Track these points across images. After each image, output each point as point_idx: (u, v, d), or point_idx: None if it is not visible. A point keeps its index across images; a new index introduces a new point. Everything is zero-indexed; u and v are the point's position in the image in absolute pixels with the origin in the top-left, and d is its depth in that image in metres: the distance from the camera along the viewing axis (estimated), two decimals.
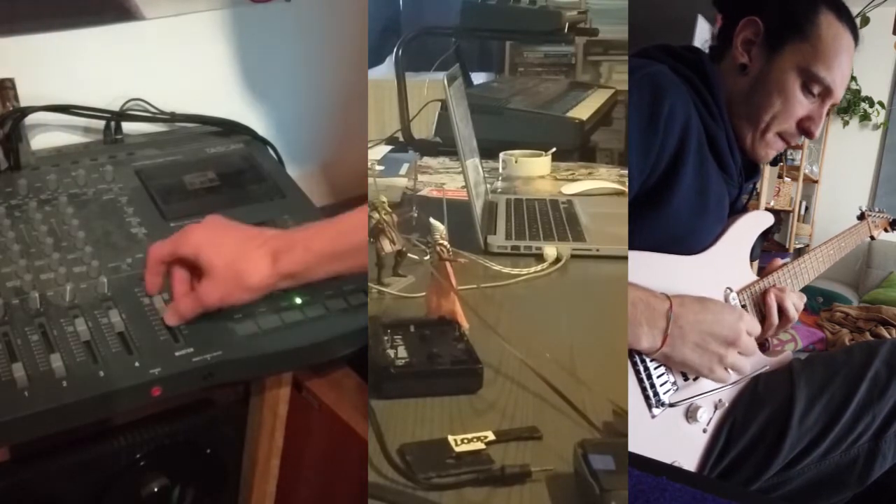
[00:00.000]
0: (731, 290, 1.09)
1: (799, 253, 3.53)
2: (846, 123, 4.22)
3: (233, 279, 0.90)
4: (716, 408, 1.08)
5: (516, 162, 1.79)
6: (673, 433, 1.04)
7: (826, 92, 1.06)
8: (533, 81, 2.70)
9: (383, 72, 2.15)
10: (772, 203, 3.89)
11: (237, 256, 0.90)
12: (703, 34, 1.88)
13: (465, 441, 0.67)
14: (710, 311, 1.00)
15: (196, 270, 0.93)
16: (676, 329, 0.97)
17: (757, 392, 1.10)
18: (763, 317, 1.12)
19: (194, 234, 0.91)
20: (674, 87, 1.01)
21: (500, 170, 1.80)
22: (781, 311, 1.11)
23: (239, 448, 1.28)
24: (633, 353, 1.01)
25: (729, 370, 1.03)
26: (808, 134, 1.09)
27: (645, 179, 0.99)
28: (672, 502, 0.74)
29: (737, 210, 1.16)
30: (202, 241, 0.91)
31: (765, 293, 1.12)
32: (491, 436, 0.69)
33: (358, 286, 1.06)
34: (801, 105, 1.07)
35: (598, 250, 1.22)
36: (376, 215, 1.01)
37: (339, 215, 0.95)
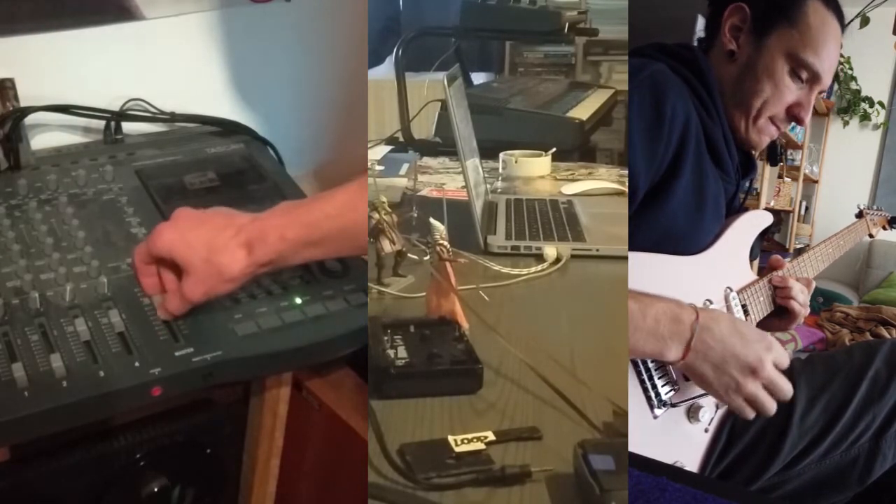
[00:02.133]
0: (731, 290, 1.09)
1: (799, 253, 3.54)
2: (846, 123, 4.22)
3: (212, 273, 0.90)
4: (717, 408, 1.08)
5: (516, 162, 1.79)
6: (674, 433, 1.04)
7: (814, 78, 1.07)
8: (533, 81, 2.70)
9: (383, 72, 2.15)
10: (772, 203, 3.89)
11: (212, 250, 0.89)
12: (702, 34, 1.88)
13: (465, 441, 0.67)
14: (739, 333, 0.96)
15: (179, 266, 0.93)
16: (700, 343, 0.94)
17: None
18: (768, 314, 1.13)
19: (165, 232, 0.91)
20: (674, 86, 1.01)
21: (500, 170, 1.80)
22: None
23: (239, 448, 1.28)
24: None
25: (747, 402, 0.97)
26: (798, 120, 1.10)
27: (651, 182, 1.00)
28: (672, 502, 0.74)
29: (735, 209, 1.16)
30: (174, 239, 0.90)
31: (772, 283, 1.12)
32: (491, 436, 0.69)
33: (358, 286, 1.07)
34: (790, 90, 1.07)
35: (598, 250, 1.22)
36: (376, 215, 1.01)
37: (316, 196, 0.94)
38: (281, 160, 1.37)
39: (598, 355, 0.88)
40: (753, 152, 1.16)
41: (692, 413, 1.05)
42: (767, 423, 1.09)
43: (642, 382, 1.01)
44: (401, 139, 2.05)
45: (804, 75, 1.07)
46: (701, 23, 1.95)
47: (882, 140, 4.21)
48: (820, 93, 1.11)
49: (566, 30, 2.14)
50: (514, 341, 0.84)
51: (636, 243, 1.00)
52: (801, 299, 1.14)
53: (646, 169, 0.98)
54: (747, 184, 1.19)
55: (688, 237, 1.05)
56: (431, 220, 0.92)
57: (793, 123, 1.11)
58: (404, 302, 1.01)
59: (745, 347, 0.95)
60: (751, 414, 0.97)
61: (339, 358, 1.13)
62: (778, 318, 1.17)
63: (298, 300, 1.03)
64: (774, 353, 0.97)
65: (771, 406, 0.97)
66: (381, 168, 1.70)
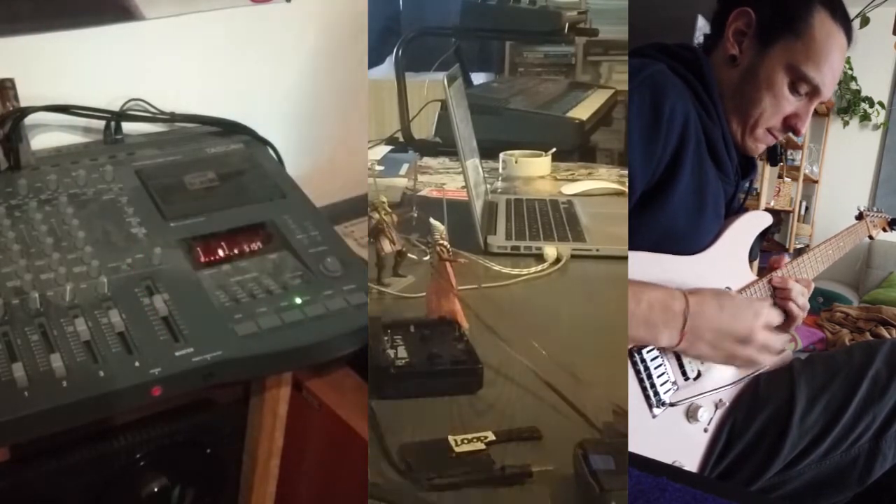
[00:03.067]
0: (731, 290, 1.09)
1: (799, 253, 3.54)
2: (846, 123, 4.22)
3: None
4: (716, 407, 1.08)
5: (516, 162, 1.79)
6: (674, 433, 1.04)
7: (814, 91, 1.06)
8: (533, 81, 2.70)
9: (383, 72, 2.15)
10: (772, 203, 3.89)
11: None
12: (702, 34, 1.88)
13: (465, 441, 0.67)
14: (726, 309, 1.01)
15: None
16: (693, 329, 0.98)
17: (757, 392, 1.10)
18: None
19: None
20: (674, 86, 1.01)
21: (500, 170, 1.80)
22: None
23: (239, 448, 1.28)
24: (633, 353, 1.01)
25: (745, 363, 1.05)
26: (794, 131, 1.09)
27: (648, 182, 1.00)
28: (672, 502, 0.74)
29: (735, 210, 1.16)
30: None
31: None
32: (491, 436, 0.69)
33: (358, 286, 1.07)
34: (789, 102, 1.07)
35: (598, 250, 1.22)
36: (376, 215, 1.01)
37: None
38: (281, 160, 1.37)
39: (598, 355, 0.88)
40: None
41: (691, 413, 1.05)
42: (768, 423, 1.09)
43: (641, 382, 1.01)
44: (401, 139, 2.05)
45: (803, 89, 1.06)
46: (701, 22, 1.95)
47: (882, 140, 4.21)
48: (820, 103, 1.11)
49: (566, 30, 2.14)
50: (514, 341, 0.84)
51: (637, 242, 1.00)
52: (800, 301, 1.14)
53: (643, 168, 0.98)
54: (747, 184, 1.19)
55: (687, 237, 1.06)
56: (431, 220, 0.92)
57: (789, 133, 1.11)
58: (404, 302, 1.01)
59: (735, 321, 1.01)
60: (760, 364, 1.06)
61: (339, 358, 1.13)
62: None
63: (298, 300, 1.02)
64: (763, 317, 1.03)
65: (766, 361, 1.05)
66: (381, 168, 1.70)
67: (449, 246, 0.89)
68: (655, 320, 0.97)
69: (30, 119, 1.18)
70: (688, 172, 1.00)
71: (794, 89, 1.06)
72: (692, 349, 1.00)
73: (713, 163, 1.07)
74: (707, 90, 1.06)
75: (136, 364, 0.90)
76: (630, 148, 0.98)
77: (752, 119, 1.08)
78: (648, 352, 1.02)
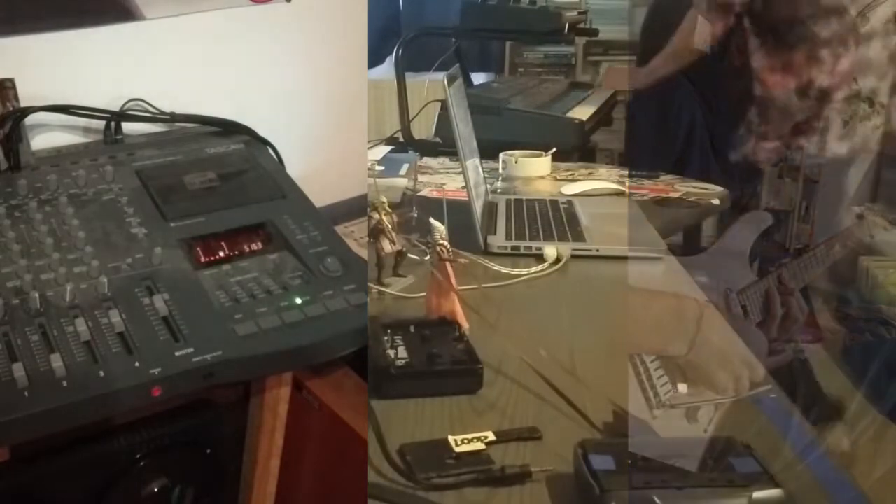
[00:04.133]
0: (731, 291, 1.09)
1: (799, 253, 3.53)
2: (846, 123, 4.22)
3: None
4: (716, 409, 1.08)
5: (516, 162, 1.79)
6: (673, 434, 1.04)
7: (822, 95, 1.06)
8: (533, 82, 2.70)
9: (383, 72, 2.15)
10: (772, 203, 3.89)
11: None
12: (703, 35, 1.88)
13: (465, 441, 0.67)
14: (742, 329, 1.00)
15: None
16: (704, 339, 0.97)
17: None
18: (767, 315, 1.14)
19: None
20: (681, 86, 1.02)
21: (500, 170, 1.80)
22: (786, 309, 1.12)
23: (239, 448, 1.28)
24: (633, 355, 1.01)
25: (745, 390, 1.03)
26: (804, 136, 1.09)
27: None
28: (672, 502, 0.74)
29: (737, 211, 1.16)
30: None
31: (768, 290, 1.12)
32: (491, 436, 0.69)
33: (358, 286, 1.07)
34: (799, 110, 1.06)
35: (598, 250, 1.22)
36: (376, 215, 1.01)
37: None
38: (281, 160, 1.37)
39: (598, 355, 0.88)
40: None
41: (691, 414, 1.05)
42: (767, 424, 1.09)
43: (640, 383, 1.01)
44: (401, 139, 2.05)
45: (812, 94, 1.06)
46: (701, 23, 1.95)
47: (882, 140, 4.21)
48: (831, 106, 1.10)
49: (566, 30, 2.14)
50: (514, 341, 0.84)
51: None
52: (801, 301, 1.15)
53: (653, 162, 0.98)
54: (751, 187, 1.19)
55: (688, 237, 1.06)
56: (431, 220, 0.92)
57: (801, 139, 1.11)
58: (404, 302, 1.01)
59: (749, 344, 0.99)
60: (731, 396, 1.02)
61: (339, 358, 1.13)
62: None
63: (298, 300, 1.03)
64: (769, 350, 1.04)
65: (746, 393, 1.01)
66: (381, 168, 1.70)
67: (449, 246, 0.89)
68: (667, 326, 0.96)
69: (30, 119, 1.18)
70: (693, 172, 1.01)
71: (802, 95, 1.06)
72: (700, 363, 0.98)
73: (718, 164, 1.07)
74: (714, 93, 1.06)
75: (136, 364, 0.90)
76: (640, 145, 0.98)
77: (762, 130, 1.08)
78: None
